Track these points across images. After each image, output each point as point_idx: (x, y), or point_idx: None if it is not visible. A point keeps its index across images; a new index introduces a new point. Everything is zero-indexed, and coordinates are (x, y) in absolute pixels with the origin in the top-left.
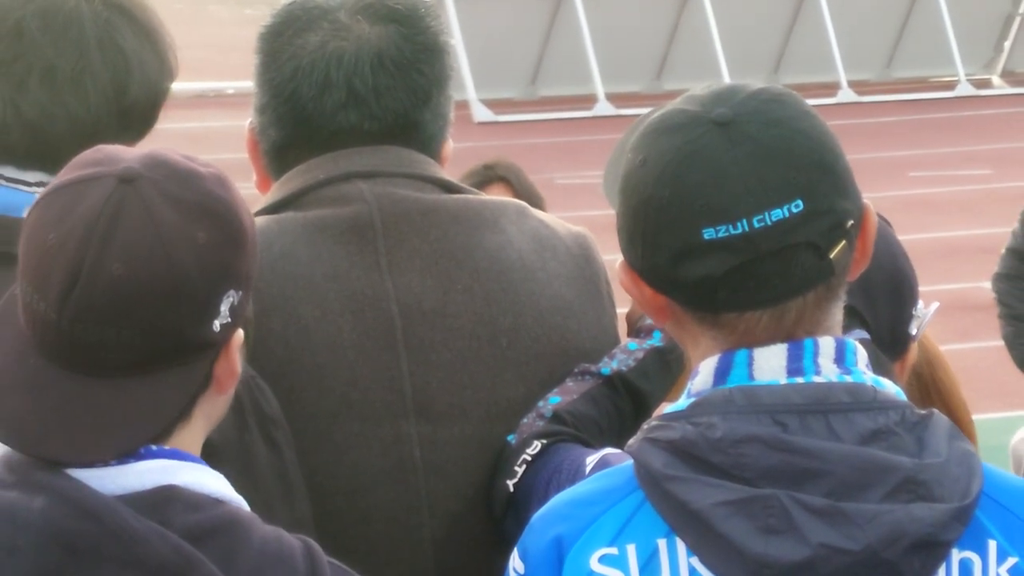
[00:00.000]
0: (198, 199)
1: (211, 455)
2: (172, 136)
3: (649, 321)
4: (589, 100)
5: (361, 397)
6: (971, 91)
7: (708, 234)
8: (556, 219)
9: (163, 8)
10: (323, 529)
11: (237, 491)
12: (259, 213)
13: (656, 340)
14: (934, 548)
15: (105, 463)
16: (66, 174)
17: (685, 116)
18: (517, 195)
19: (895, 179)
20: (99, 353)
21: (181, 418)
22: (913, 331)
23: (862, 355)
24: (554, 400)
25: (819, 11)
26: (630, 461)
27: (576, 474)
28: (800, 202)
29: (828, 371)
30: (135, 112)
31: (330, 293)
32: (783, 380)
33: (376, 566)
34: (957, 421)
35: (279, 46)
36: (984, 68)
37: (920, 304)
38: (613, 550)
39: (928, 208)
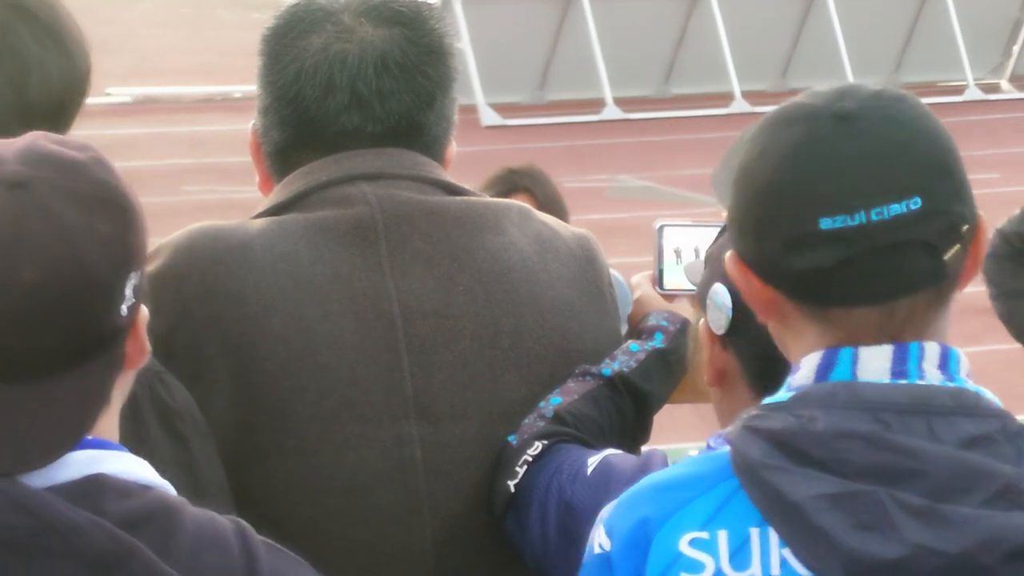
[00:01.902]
0: (90, 190)
1: None
2: (178, 140)
3: (652, 323)
4: (597, 104)
5: (362, 398)
6: (979, 96)
7: (825, 224)
8: (559, 221)
9: (171, 12)
10: (323, 529)
11: None
12: (261, 215)
13: (658, 341)
14: None
15: None
16: None
17: (806, 109)
18: (539, 205)
19: None
20: (24, 360)
21: (103, 404)
22: None
23: (965, 364)
24: (555, 401)
25: (827, 15)
26: (724, 449)
27: (577, 475)
28: (919, 200)
29: (932, 376)
30: (37, 112)
31: (332, 294)
32: (886, 381)
33: (376, 567)
34: None
35: (282, 48)
36: (992, 73)
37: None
38: (704, 534)
39: None
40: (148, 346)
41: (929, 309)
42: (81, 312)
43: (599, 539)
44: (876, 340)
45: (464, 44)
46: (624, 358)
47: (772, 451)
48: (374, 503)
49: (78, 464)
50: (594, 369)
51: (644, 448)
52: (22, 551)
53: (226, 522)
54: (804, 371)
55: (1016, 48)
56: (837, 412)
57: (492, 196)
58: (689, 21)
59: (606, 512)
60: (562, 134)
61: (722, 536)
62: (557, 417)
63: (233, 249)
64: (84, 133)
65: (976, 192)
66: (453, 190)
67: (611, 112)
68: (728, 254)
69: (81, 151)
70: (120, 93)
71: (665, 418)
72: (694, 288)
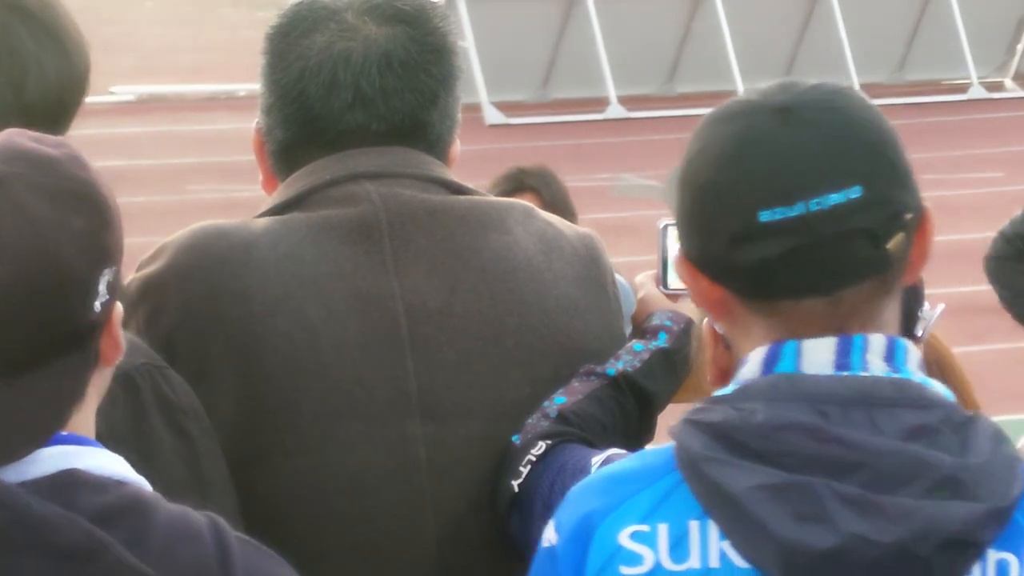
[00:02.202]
0: (65, 186)
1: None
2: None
3: (655, 322)
4: (601, 103)
5: (366, 397)
6: (983, 94)
7: (765, 216)
8: (562, 220)
9: (174, 11)
10: (327, 528)
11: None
12: (265, 213)
13: (662, 341)
14: (967, 547)
15: None
16: None
17: (744, 104)
18: (545, 206)
19: None
20: None
21: (78, 401)
22: (919, 332)
23: (914, 355)
24: (559, 400)
25: (831, 14)
26: (671, 443)
27: (580, 474)
28: (859, 188)
29: (876, 368)
30: (35, 112)
31: (336, 293)
32: (830, 373)
33: (380, 565)
34: None
35: (286, 46)
36: (996, 71)
37: (926, 305)
38: (645, 527)
39: (940, 210)
40: (123, 343)
41: (875, 299)
42: (54, 308)
43: (548, 533)
44: (822, 332)
45: (468, 42)
46: (628, 358)
47: (712, 444)
48: (378, 502)
49: (52, 459)
50: (598, 369)
51: (648, 448)
52: None
53: (200, 517)
54: (750, 365)
55: (1020, 47)
56: (777, 404)
57: (499, 194)
58: (693, 19)
59: (561, 506)
60: (566, 133)
61: (662, 529)
62: (561, 417)
63: (237, 248)
64: (88, 132)
65: (980, 191)
66: (457, 189)
67: (615, 111)
68: (676, 255)
69: (57, 148)
70: (124, 92)
71: (669, 418)
72: None
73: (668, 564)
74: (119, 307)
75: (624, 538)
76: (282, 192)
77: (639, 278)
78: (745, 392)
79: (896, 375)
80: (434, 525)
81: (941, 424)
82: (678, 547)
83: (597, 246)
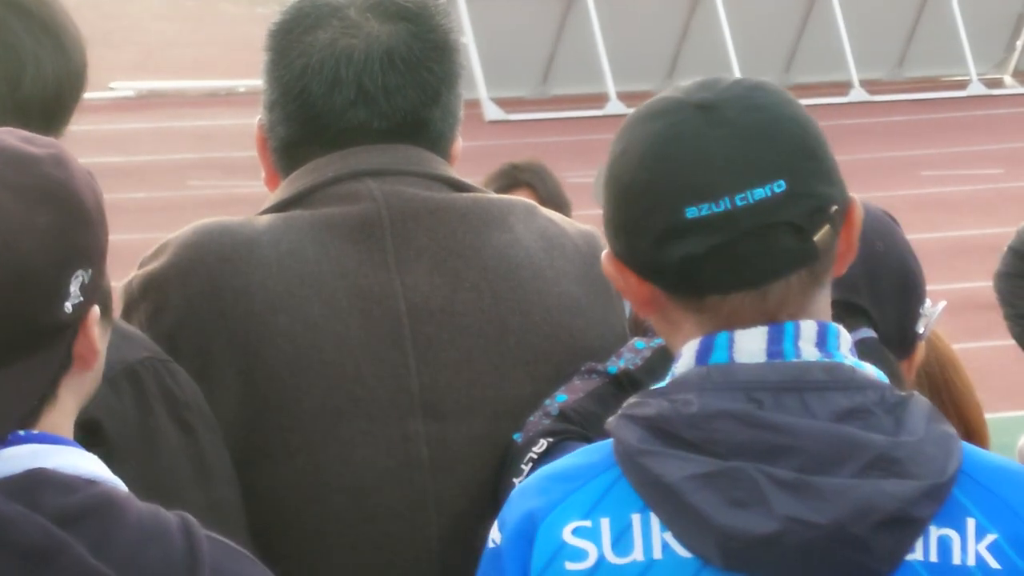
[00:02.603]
0: (34, 183)
1: (104, 441)
2: (183, 134)
3: None
4: (600, 99)
5: (368, 395)
6: (983, 90)
7: (691, 213)
8: (565, 217)
9: (175, 7)
10: (329, 527)
11: (142, 474)
12: (267, 211)
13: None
14: (905, 524)
15: None
16: None
17: (666, 103)
18: (541, 200)
19: (906, 178)
20: None
21: (46, 401)
22: (920, 330)
23: (845, 339)
24: (561, 398)
25: (831, 10)
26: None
27: None
28: (783, 183)
29: (808, 353)
30: (32, 107)
31: (338, 291)
32: (762, 361)
33: (381, 564)
34: (970, 424)
35: (288, 43)
36: (996, 67)
37: (928, 303)
38: (587, 523)
39: (939, 207)
40: (100, 347)
41: (803, 290)
42: (11, 305)
43: (492, 534)
44: (752, 323)
45: (467, 39)
46: (630, 355)
47: (647, 436)
48: (380, 501)
49: (19, 458)
50: (600, 367)
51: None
52: None
53: (171, 517)
54: (684, 358)
55: (1019, 43)
56: (710, 394)
57: (493, 191)
58: (692, 16)
59: (504, 505)
60: (565, 129)
61: (604, 523)
62: (563, 415)
63: (239, 246)
64: (88, 128)
65: (979, 187)
66: (459, 186)
67: (614, 107)
68: (604, 253)
69: (43, 148)
70: (124, 87)
71: None
72: None
73: (612, 558)
74: (95, 310)
75: (567, 534)
76: (284, 189)
77: None
78: (679, 384)
79: (828, 359)
80: (436, 524)
81: (874, 405)
82: (621, 541)
83: (599, 244)
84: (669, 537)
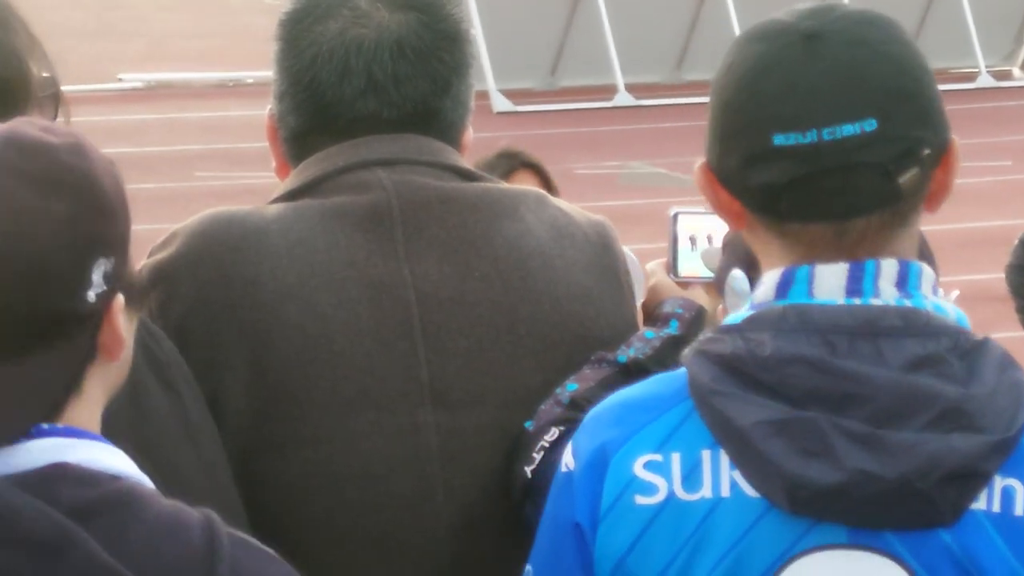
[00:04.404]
0: (51, 172)
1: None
2: (190, 125)
3: (667, 310)
4: (609, 91)
5: (378, 385)
6: (992, 83)
7: (778, 140)
8: (575, 207)
9: None
10: (339, 517)
11: (133, 438)
12: (277, 200)
13: (673, 329)
14: (970, 478)
15: None
16: None
17: (775, 26)
18: (545, 182)
19: None
20: None
21: (71, 393)
22: None
23: (928, 279)
24: (571, 387)
25: (839, 2)
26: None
27: None
28: (874, 121)
29: (887, 294)
30: None
31: (347, 281)
32: (841, 300)
33: (392, 554)
34: None
35: (298, 33)
36: (1005, 60)
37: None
38: (658, 457)
39: (949, 199)
40: (125, 336)
41: (884, 229)
42: (31, 296)
43: (566, 458)
44: (832, 257)
45: (476, 29)
46: (640, 345)
47: (721, 375)
48: (390, 490)
49: (41, 452)
50: (610, 356)
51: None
52: None
53: (194, 514)
54: (765, 288)
55: None
56: (785, 336)
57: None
58: (701, 7)
59: (578, 431)
60: (574, 120)
61: (675, 458)
62: (573, 403)
63: (249, 235)
64: (96, 119)
65: (989, 179)
66: (470, 176)
67: (623, 99)
68: (698, 164)
69: (60, 136)
70: (132, 79)
71: None
72: (709, 275)
73: (681, 494)
74: (120, 299)
75: (639, 468)
76: (294, 179)
77: (650, 265)
78: (755, 322)
79: (907, 302)
80: (446, 513)
81: (948, 352)
82: (691, 477)
83: (609, 233)
84: (738, 476)
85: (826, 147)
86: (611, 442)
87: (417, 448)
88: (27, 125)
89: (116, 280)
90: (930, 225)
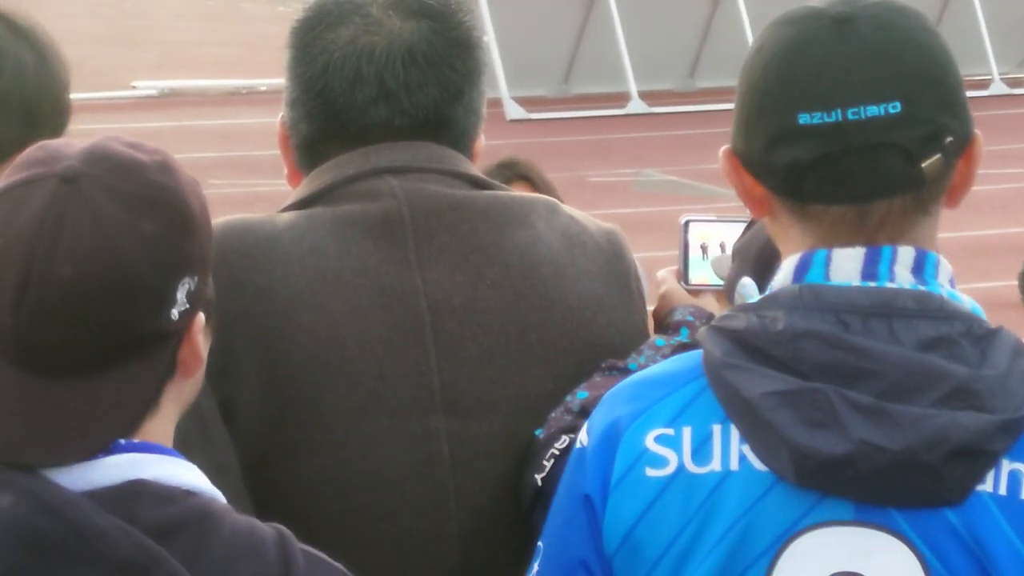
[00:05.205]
0: (141, 190)
1: None
2: (204, 133)
3: (677, 317)
4: (622, 98)
5: (389, 392)
6: (1005, 90)
7: (803, 118)
8: (586, 215)
9: (197, 6)
10: (351, 523)
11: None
12: (289, 208)
13: (683, 336)
14: (977, 456)
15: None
16: (10, 176)
17: (806, 11)
18: (536, 191)
19: None
20: (58, 355)
21: (149, 409)
22: None
23: (944, 269)
24: (582, 395)
25: None
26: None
27: None
28: (898, 104)
29: (903, 279)
30: (11, 99)
31: (359, 288)
32: (856, 283)
33: (403, 560)
34: None
35: (310, 40)
36: (1018, 67)
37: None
38: (669, 431)
39: (961, 206)
40: (204, 353)
41: (906, 214)
42: (118, 312)
43: (581, 436)
44: (851, 241)
45: (489, 37)
46: (650, 353)
47: (733, 349)
48: (401, 497)
49: (119, 468)
50: (620, 364)
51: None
52: (48, 555)
53: (268, 531)
54: (783, 273)
55: None
56: (799, 312)
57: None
58: (714, 15)
59: (596, 409)
60: (587, 128)
61: (686, 432)
62: (583, 411)
63: (261, 242)
64: (110, 126)
65: (1001, 187)
66: (481, 184)
67: (636, 106)
68: (723, 149)
69: (149, 154)
70: (146, 86)
71: None
72: (720, 283)
73: (691, 467)
74: (200, 317)
75: (650, 441)
76: (306, 186)
77: (660, 273)
78: (770, 300)
79: (922, 287)
80: (457, 520)
81: (960, 336)
82: (701, 450)
83: (620, 242)
84: (747, 450)
85: (850, 126)
86: (624, 417)
87: (428, 455)
88: (114, 142)
89: (198, 299)
90: (941, 232)
